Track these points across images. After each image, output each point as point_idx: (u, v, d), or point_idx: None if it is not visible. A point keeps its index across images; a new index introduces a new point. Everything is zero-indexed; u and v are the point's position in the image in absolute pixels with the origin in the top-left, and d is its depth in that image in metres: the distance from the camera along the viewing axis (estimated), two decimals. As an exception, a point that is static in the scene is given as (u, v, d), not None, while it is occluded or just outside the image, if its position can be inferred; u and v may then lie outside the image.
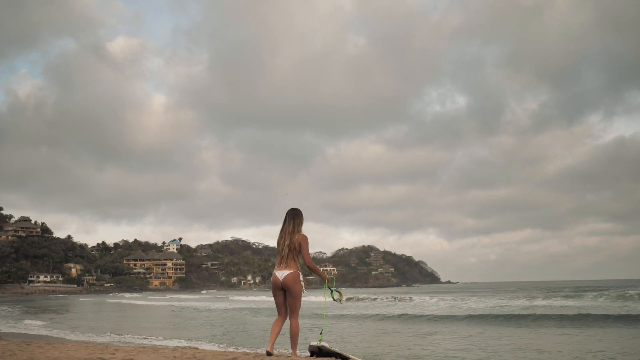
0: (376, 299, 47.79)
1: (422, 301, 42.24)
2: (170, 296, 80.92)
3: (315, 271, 6.33)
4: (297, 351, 6.26)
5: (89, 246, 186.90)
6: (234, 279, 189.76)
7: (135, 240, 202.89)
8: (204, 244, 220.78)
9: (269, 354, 6.06)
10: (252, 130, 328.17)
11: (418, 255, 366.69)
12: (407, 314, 26.32)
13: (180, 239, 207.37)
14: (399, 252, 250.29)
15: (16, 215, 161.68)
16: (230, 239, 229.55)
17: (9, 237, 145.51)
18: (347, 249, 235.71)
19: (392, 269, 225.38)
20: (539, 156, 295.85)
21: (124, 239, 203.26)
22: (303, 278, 6.21)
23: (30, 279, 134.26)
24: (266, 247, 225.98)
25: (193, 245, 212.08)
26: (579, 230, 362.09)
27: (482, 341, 15.09)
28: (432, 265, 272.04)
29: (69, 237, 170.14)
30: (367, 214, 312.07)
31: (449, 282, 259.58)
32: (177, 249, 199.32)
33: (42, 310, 39.12)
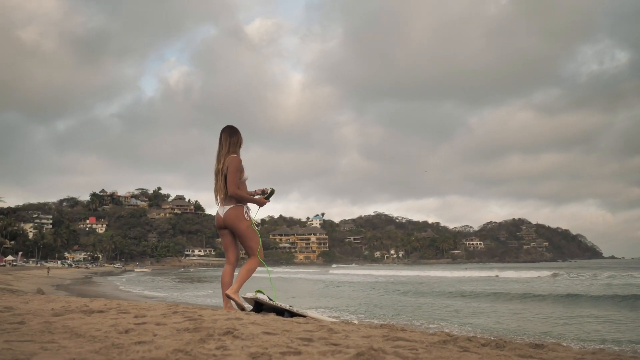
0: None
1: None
2: (308, 269, 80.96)
3: (244, 200, 4.90)
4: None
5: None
6: (377, 253, 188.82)
7: (281, 216, 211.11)
8: (347, 219, 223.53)
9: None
10: (390, 103, 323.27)
11: (576, 228, 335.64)
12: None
13: (323, 214, 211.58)
14: (553, 225, 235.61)
15: (172, 195, 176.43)
16: (373, 214, 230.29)
17: (167, 215, 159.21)
18: (495, 222, 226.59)
19: (547, 243, 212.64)
20: None
21: (270, 215, 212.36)
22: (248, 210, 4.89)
23: (186, 252, 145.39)
24: (410, 221, 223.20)
25: (336, 220, 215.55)
26: None
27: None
28: (592, 239, 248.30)
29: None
30: (516, 185, 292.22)
31: (612, 257, 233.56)
32: (320, 224, 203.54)
33: (195, 280, 40.35)
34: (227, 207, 4.89)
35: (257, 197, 5.01)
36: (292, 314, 4.44)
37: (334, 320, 4.49)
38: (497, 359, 2.01)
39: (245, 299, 4.78)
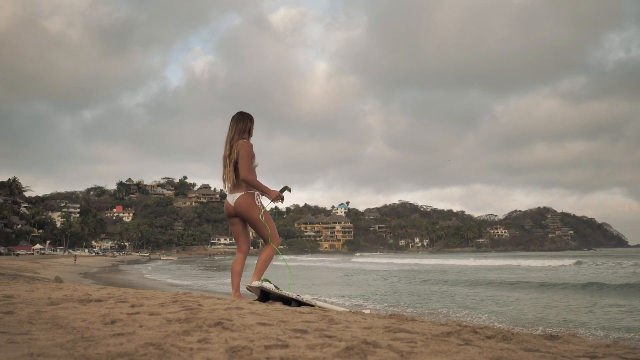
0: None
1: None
2: (331, 258, 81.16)
3: (256, 187, 4.72)
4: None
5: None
6: (402, 242, 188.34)
7: (306, 204, 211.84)
8: (371, 207, 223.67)
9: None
10: (415, 92, 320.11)
11: (601, 217, 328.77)
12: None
13: (348, 203, 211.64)
14: (579, 213, 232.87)
15: (198, 184, 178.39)
16: (397, 202, 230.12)
17: (193, 203, 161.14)
18: (520, 211, 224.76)
19: (572, 232, 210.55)
20: None
21: (295, 204, 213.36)
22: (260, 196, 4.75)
23: (212, 241, 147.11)
24: (434, 210, 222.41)
25: (361, 209, 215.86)
26: None
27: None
28: (617, 227, 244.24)
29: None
30: (541, 173, 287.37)
31: (638, 245, 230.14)
32: (345, 212, 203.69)
33: (220, 268, 40.84)
34: (237, 195, 4.75)
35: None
36: (299, 304, 4.32)
37: (344, 310, 4.36)
38: (499, 352, 1.84)
39: (251, 287, 4.66)
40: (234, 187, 4.78)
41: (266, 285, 4.46)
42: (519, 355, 1.88)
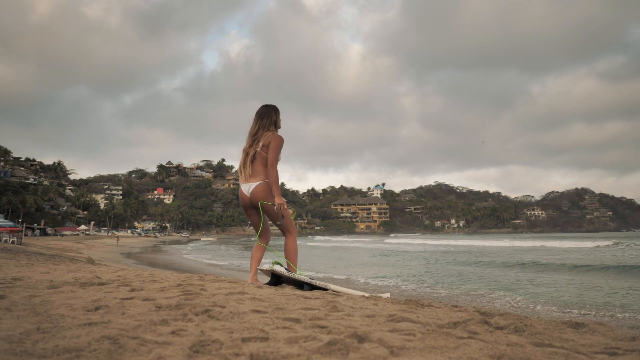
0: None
1: None
2: (365, 239, 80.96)
3: (274, 182, 4.51)
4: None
5: (300, 192, 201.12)
6: (438, 223, 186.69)
7: (342, 186, 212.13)
8: (407, 188, 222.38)
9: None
10: (450, 73, 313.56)
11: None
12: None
13: (383, 184, 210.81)
14: (617, 194, 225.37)
15: (236, 166, 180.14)
16: (433, 184, 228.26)
17: (231, 185, 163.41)
18: (557, 192, 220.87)
19: (610, 213, 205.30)
20: None
21: (331, 185, 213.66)
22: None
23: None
24: (470, 191, 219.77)
25: (397, 190, 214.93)
26: None
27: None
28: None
29: (282, 184, 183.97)
30: (579, 154, 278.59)
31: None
32: (381, 194, 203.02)
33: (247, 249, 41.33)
34: (254, 184, 4.59)
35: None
36: (312, 287, 4.16)
37: (358, 294, 4.18)
38: (502, 349, 1.63)
39: (262, 271, 4.53)
40: (250, 177, 4.63)
41: (277, 268, 4.32)
42: (526, 351, 1.66)
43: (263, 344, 1.61)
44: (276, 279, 4.37)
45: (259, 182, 4.57)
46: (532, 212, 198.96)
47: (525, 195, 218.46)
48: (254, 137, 4.68)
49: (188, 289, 3.08)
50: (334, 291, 4.07)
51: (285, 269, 4.36)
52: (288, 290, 3.75)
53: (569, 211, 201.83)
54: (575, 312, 8.32)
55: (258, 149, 4.58)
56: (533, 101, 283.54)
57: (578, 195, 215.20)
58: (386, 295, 4.34)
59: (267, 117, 4.73)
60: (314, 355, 1.48)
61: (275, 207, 4.45)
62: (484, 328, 2.13)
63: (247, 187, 4.62)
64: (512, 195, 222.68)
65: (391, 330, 1.98)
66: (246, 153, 4.68)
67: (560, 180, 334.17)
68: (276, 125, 4.76)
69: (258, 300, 2.78)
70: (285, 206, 4.48)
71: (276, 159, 4.52)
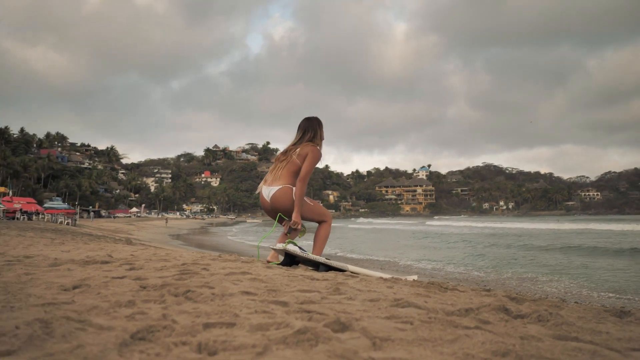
0: None
1: None
2: (407, 221, 79.99)
3: (299, 196, 4.29)
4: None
5: (344, 174, 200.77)
6: (485, 205, 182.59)
7: (386, 168, 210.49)
8: (454, 170, 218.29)
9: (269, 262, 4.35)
10: (500, 49, 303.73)
11: None
12: None
13: (429, 166, 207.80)
14: None
15: (281, 148, 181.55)
16: (481, 165, 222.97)
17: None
18: (615, 172, 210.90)
19: None
20: None
21: (376, 167, 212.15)
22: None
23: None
24: (520, 172, 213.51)
25: (443, 171, 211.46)
26: None
27: None
28: None
29: (327, 166, 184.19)
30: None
31: None
32: (426, 175, 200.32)
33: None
34: (275, 189, 4.40)
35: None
36: (329, 268, 3.94)
37: (380, 275, 3.93)
38: (513, 342, 1.35)
39: (276, 250, 4.35)
40: (273, 181, 4.46)
41: (290, 247, 4.12)
42: (541, 346, 1.37)
43: (223, 331, 1.40)
44: (290, 259, 4.18)
45: (280, 186, 4.40)
46: (587, 194, 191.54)
47: (580, 176, 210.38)
48: (294, 147, 4.52)
49: (189, 268, 2.92)
50: (352, 272, 3.85)
51: (300, 248, 4.16)
52: (300, 271, 3.54)
53: (627, 192, 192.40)
54: (628, 298, 7.80)
55: (294, 157, 4.42)
56: (589, 76, 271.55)
57: (638, 176, 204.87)
58: (412, 277, 4.08)
59: (312, 130, 4.58)
60: (275, 346, 1.26)
61: (290, 224, 4.28)
62: (499, 317, 1.84)
63: (268, 191, 4.46)
64: (565, 176, 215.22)
65: (387, 317, 1.73)
66: (279, 161, 4.54)
67: (618, 159, 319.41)
68: (321, 137, 4.63)
69: (258, 281, 2.59)
70: (300, 227, 4.31)
71: (309, 173, 4.38)
